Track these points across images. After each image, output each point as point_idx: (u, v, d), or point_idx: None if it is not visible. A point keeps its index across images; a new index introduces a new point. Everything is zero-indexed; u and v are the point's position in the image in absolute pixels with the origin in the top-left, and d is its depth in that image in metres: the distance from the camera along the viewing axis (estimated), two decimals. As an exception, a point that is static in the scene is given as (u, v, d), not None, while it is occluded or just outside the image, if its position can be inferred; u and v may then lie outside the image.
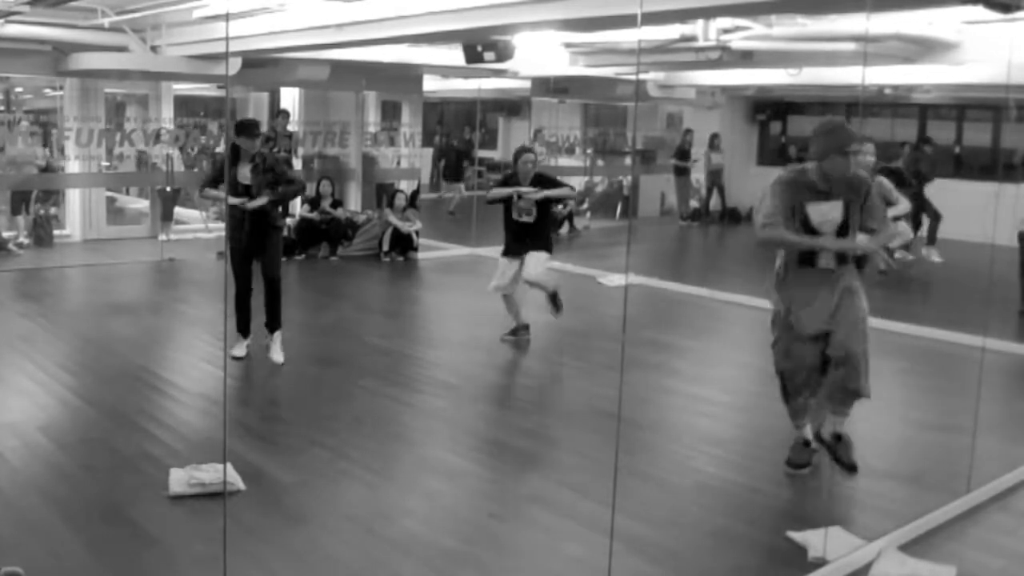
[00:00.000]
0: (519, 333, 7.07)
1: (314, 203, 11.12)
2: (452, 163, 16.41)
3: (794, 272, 4.33)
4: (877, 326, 6.72)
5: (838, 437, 4.44)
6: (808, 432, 4.55)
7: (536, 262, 6.83)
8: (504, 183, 6.90)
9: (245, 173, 6.27)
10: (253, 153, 6.28)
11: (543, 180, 6.84)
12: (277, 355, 6.36)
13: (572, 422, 5.41)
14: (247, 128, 6.34)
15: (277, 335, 6.41)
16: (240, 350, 6.41)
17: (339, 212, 11.15)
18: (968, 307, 8.05)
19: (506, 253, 6.96)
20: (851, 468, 4.43)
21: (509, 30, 7.47)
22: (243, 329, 6.45)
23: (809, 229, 4.22)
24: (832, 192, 4.20)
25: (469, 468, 4.60)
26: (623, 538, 3.61)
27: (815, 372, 4.38)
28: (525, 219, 6.79)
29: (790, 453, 4.58)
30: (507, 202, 6.84)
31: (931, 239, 11.56)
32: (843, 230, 4.22)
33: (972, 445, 4.43)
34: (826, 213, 4.20)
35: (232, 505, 3.97)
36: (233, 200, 6.21)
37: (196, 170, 12.63)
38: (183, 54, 9.84)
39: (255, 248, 6.34)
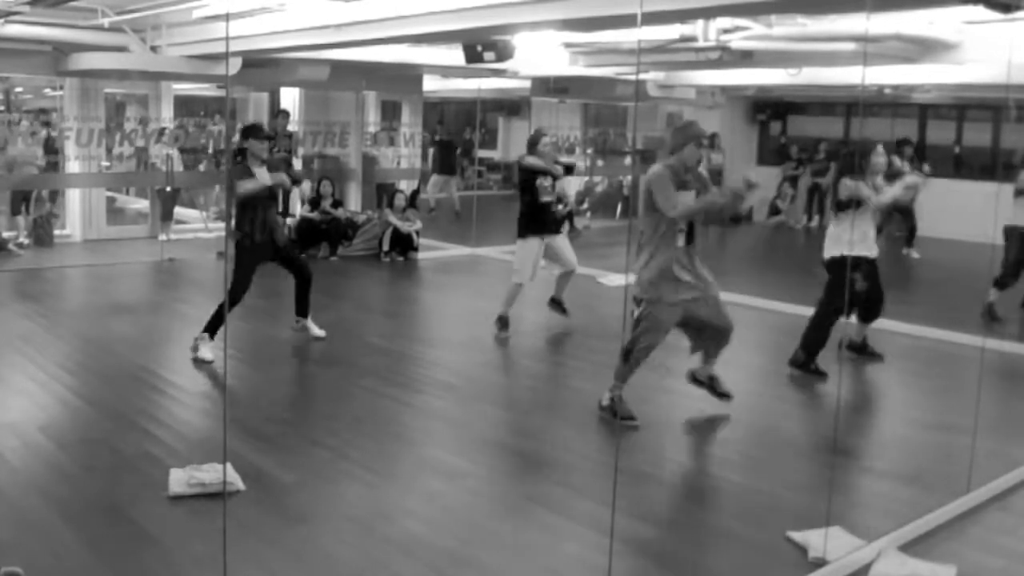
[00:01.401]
0: (506, 325, 7.18)
1: (314, 203, 11.12)
2: (443, 154, 15.51)
3: (664, 250, 5.05)
4: (878, 326, 6.78)
5: (712, 378, 5.46)
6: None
7: (571, 250, 7.43)
8: (532, 172, 7.20)
9: (264, 175, 6.43)
10: (263, 158, 6.48)
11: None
12: (318, 331, 6.93)
13: (572, 422, 5.41)
14: (256, 131, 6.62)
15: (309, 318, 6.94)
16: (209, 352, 6.22)
17: (339, 212, 11.15)
18: (968, 307, 8.06)
19: (530, 235, 7.20)
20: (728, 395, 5.42)
21: (509, 30, 7.47)
22: (212, 329, 6.26)
23: None
24: (689, 183, 5.10)
25: (469, 468, 4.60)
26: (623, 538, 3.61)
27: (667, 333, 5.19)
28: (548, 199, 7.25)
29: (619, 411, 5.12)
30: (533, 186, 7.19)
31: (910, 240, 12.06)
32: None
33: (972, 445, 4.43)
34: (686, 200, 5.09)
35: (232, 505, 3.97)
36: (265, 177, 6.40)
37: (196, 169, 12.65)
38: (183, 54, 9.84)
39: (268, 247, 6.45)
